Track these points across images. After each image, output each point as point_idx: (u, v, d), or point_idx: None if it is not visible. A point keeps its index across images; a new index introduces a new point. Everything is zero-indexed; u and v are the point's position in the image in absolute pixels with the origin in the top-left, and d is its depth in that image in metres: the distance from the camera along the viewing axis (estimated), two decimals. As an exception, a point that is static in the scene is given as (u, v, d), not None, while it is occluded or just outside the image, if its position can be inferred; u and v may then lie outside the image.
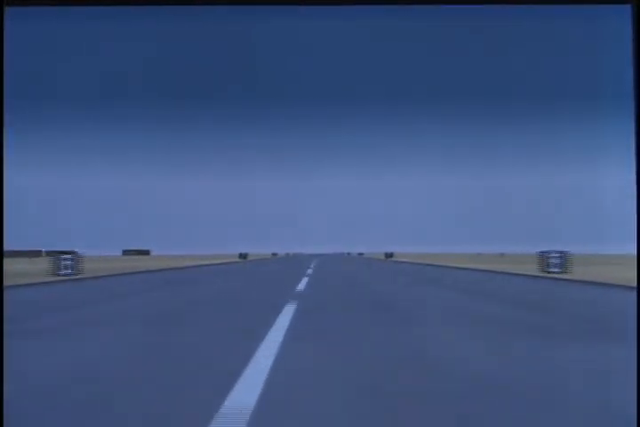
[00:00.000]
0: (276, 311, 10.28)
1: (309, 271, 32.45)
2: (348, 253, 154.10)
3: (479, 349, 6.32)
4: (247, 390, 4.45)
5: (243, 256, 60.40)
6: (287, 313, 9.98)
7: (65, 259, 25.88)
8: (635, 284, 16.57)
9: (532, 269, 32.49)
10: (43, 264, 48.66)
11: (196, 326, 8.31)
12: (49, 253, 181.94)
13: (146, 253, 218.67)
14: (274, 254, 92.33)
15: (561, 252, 26.14)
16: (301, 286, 18.25)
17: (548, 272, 26.21)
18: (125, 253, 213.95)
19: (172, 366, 5.42)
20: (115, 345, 6.69)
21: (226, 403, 4.07)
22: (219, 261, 58.15)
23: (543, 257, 26.99)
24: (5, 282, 18.84)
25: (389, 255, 68.05)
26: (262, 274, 28.36)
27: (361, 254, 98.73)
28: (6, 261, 68.46)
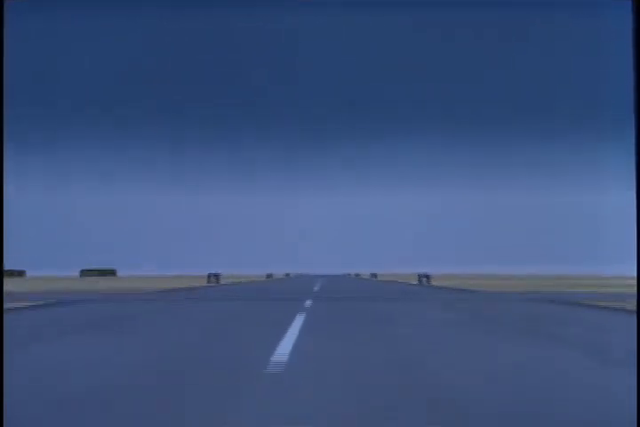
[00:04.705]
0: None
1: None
2: (374, 275, 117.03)
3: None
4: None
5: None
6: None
7: None
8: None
9: None
10: None
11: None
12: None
13: (110, 273, 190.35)
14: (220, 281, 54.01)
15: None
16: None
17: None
18: (84, 273, 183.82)
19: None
20: None
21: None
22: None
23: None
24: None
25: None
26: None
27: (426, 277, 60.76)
28: None
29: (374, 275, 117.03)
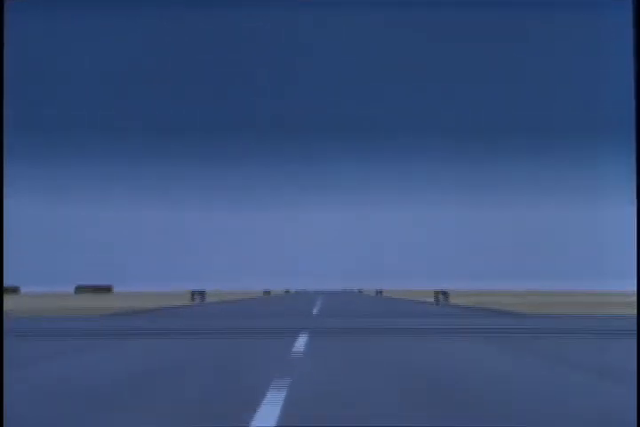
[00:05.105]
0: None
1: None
2: (379, 292, 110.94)
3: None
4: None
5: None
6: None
7: None
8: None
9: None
10: None
11: None
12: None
13: (105, 290, 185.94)
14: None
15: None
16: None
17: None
18: (79, 290, 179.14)
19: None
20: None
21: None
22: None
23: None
24: None
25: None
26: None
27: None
28: None
29: (379, 292, 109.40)
